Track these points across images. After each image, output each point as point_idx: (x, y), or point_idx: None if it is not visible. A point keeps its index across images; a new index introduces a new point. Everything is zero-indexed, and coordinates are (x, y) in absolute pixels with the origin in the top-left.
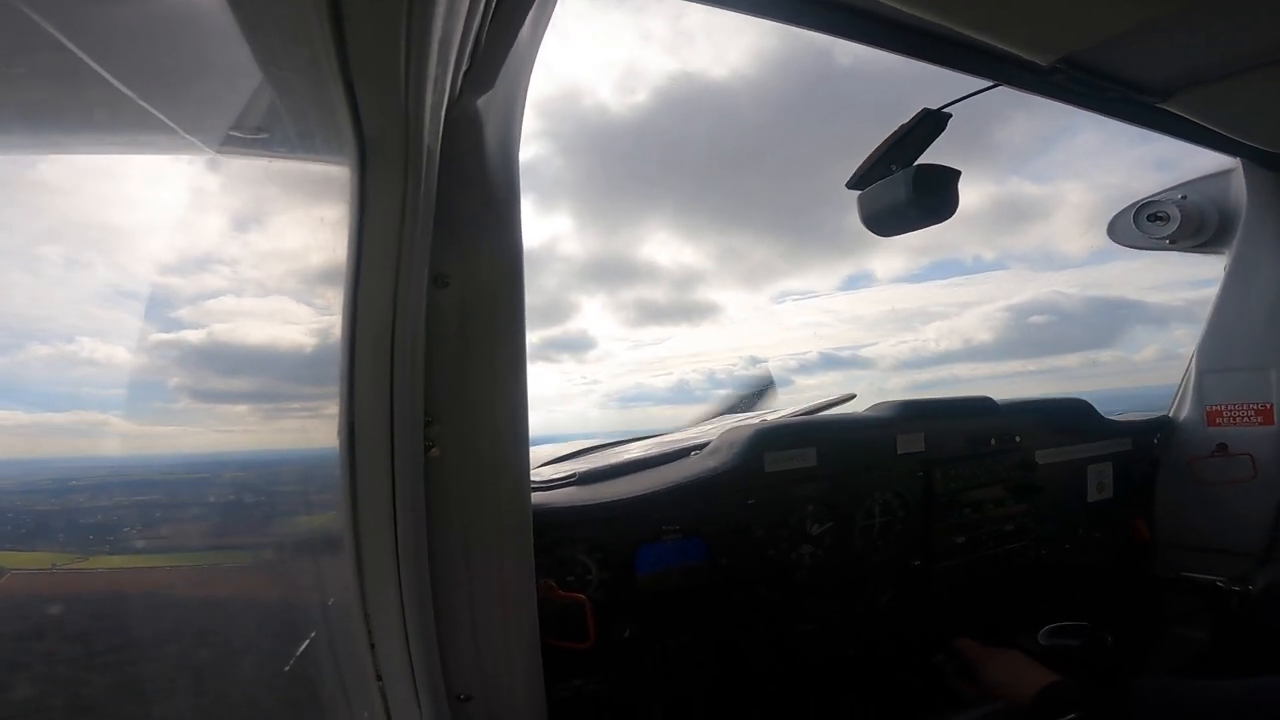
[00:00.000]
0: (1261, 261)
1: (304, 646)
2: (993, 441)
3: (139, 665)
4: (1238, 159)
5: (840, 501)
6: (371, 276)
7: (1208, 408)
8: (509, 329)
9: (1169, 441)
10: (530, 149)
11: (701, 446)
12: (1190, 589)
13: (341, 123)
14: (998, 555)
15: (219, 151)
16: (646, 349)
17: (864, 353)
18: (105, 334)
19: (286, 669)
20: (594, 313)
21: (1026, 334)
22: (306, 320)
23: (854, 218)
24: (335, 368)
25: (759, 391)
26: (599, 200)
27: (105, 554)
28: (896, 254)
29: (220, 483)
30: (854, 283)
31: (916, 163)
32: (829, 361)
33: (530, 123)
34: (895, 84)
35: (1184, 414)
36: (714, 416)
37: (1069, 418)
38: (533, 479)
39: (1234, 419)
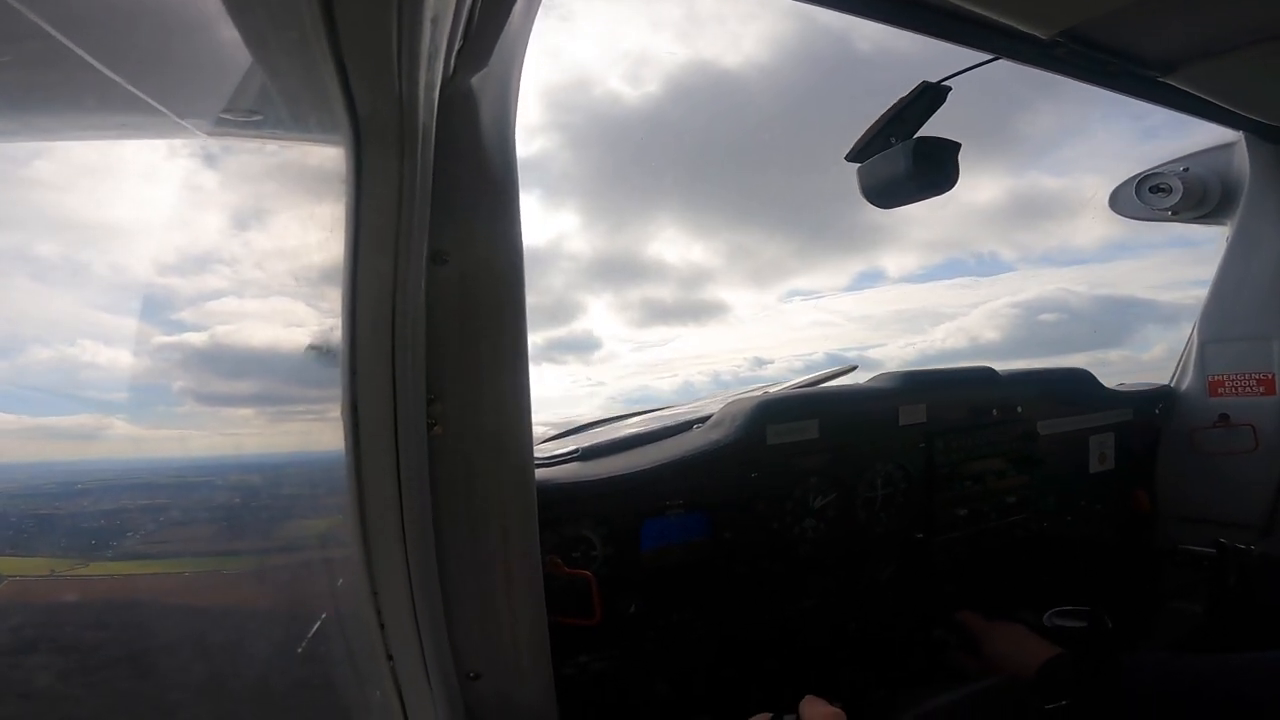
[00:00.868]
0: (1263, 233)
1: (316, 627)
2: (995, 412)
3: (142, 670)
4: (1240, 132)
5: (842, 474)
6: (370, 256)
7: (1209, 378)
8: (510, 304)
9: (1171, 412)
10: (536, 142)
11: (704, 420)
12: (1188, 562)
13: (334, 104)
14: (999, 528)
15: (211, 135)
16: (651, 350)
17: (871, 353)
18: (105, 328)
19: (300, 650)
20: (600, 312)
21: (1034, 332)
22: (305, 300)
23: (867, 213)
24: (337, 352)
25: None
26: (607, 195)
27: (107, 559)
28: (910, 250)
29: (224, 475)
30: (865, 280)
31: (916, 135)
32: (836, 362)
33: (536, 115)
34: (914, 71)
35: (1186, 384)
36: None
37: (1071, 388)
38: (536, 455)
39: (1236, 389)
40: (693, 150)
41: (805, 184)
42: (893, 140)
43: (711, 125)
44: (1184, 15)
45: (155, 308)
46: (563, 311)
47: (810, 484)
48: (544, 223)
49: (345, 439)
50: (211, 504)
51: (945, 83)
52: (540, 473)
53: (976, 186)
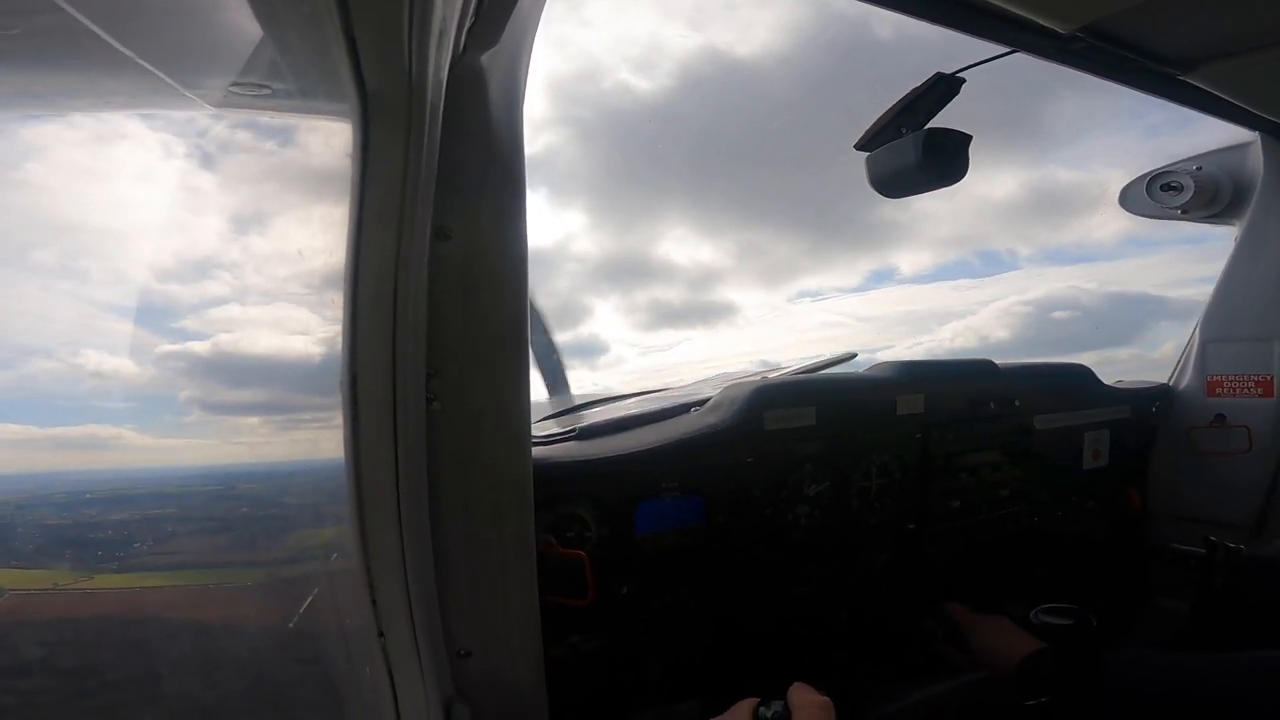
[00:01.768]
0: (1272, 234)
1: (308, 603)
2: (992, 405)
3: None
4: (1256, 133)
5: (838, 462)
6: (374, 231)
7: (1208, 377)
8: (512, 282)
9: (1168, 410)
10: (542, 138)
11: (701, 403)
12: (1176, 560)
13: (343, 79)
14: (992, 520)
15: (219, 109)
16: (658, 355)
17: (881, 355)
18: (105, 315)
19: (291, 625)
20: (606, 316)
21: (1044, 330)
22: (309, 277)
23: (881, 209)
24: (338, 325)
25: None
26: (615, 193)
27: (112, 570)
28: (923, 247)
29: (227, 476)
30: (877, 279)
31: (927, 126)
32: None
33: (542, 109)
34: (931, 61)
35: (1184, 383)
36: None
37: (1069, 383)
38: (533, 434)
39: (1234, 390)
40: (703, 145)
41: (819, 179)
42: (903, 130)
43: (723, 118)
44: (1205, 13)
45: (155, 303)
46: (569, 316)
47: (805, 471)
48: (550, 223)
49: (343, 413)
50: (212, 503)
51: (960, 74)
52: (537, 451)
53: (993, 180)
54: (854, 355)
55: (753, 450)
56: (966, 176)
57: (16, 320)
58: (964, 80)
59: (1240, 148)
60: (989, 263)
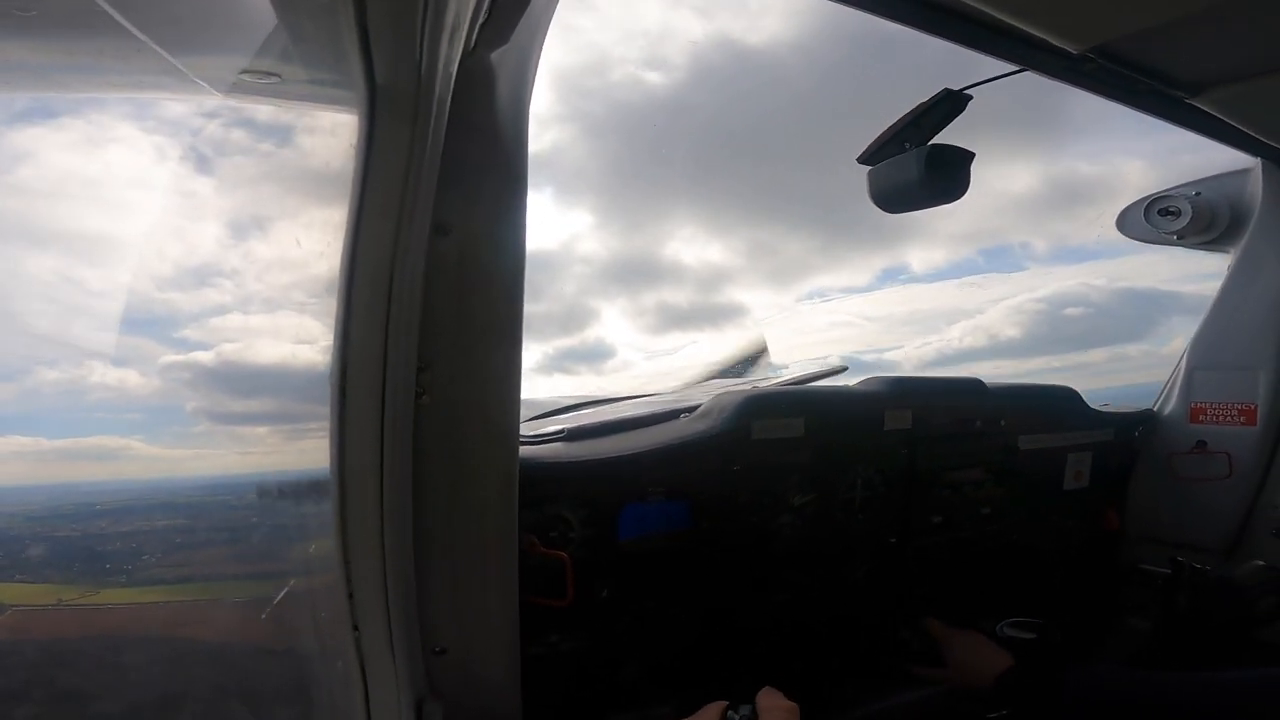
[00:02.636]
0: (1266, 262)
1: (283, 593)
2: (978, 424)
3: None
4: (1257, 159)
5: (824, 474)
6: (373, 222)
7: (1192, 404)
8: (508, 280)
9: (1150, 435)
10: (549, 134)
11: (691, 409)
12: (1143, 580)
13: (353, 70)
14: (972, 537)
15: (228, 95)
16: (664, 359)
17: (890, 355)
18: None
19: (264, 616)
20: (613, 319)
21: (1056, 328)
22: (303, 264)
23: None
24: (331, 306)
25: (752, 358)
26: (623, 190)
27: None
28: (936, 244)
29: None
30: (889, 277)
31: (931, 142)
32: (851, 365)
33: (549, 106)
34: (946, 54)
35: (1169, 409)
36: (707, 380)
37: (1055, 405)
38: (522, 433)
39: (1217, 417)
40: (713, 140)
41: (831, 174)
42: (906, 145)
43: (734, 110)
44: (1215, 37)
45: (158, 309)
46: (574, 320)
47: (791, 481)
48: (557, 224)
49: (331, 400)
50: (220, 513)
51: (967, 91)
52: (525, 450)
53: (1011, 175)
54: (844, 369)
55: (740, 458)
56: (979, 179)
57: (25, 323)
58: (970, 98)
59: (1239, 174)
60: (998, 260)
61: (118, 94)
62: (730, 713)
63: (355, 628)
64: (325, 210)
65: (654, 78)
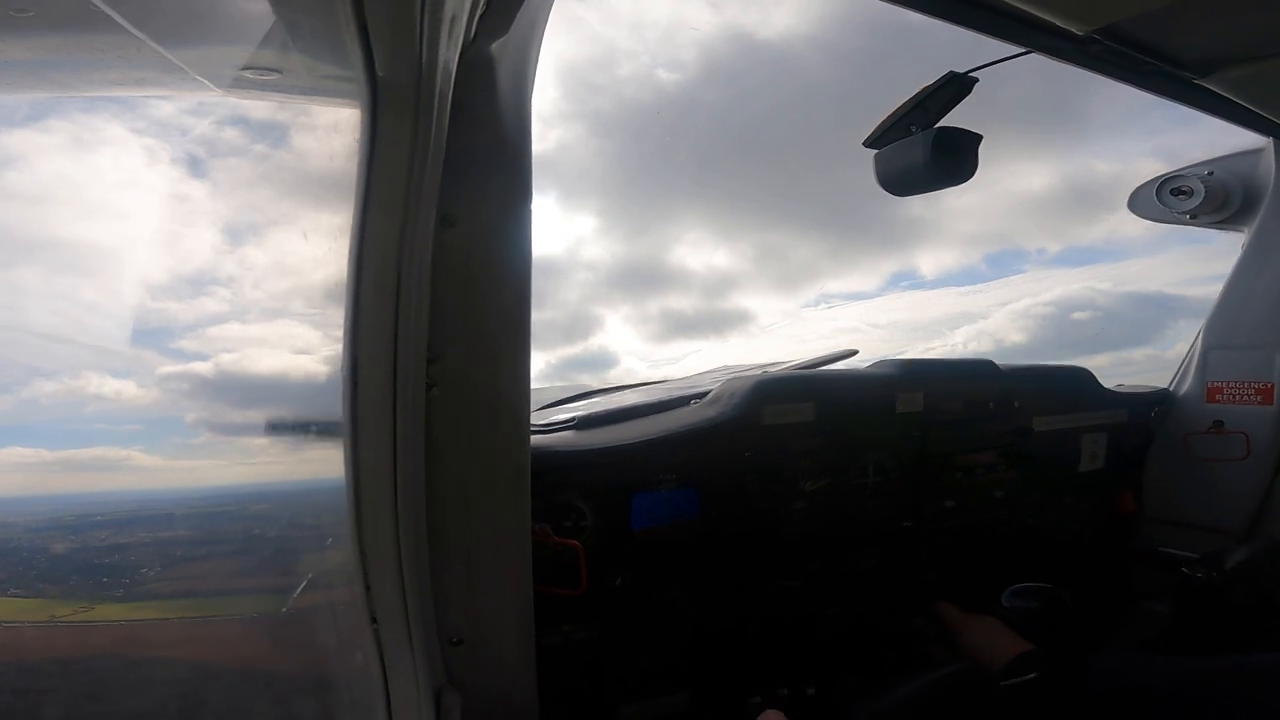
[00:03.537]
0: None
1: (301, 587)
2: (991, 406)
3: None
4: (1270, 138)
5: (835, 459)
6: (379, 216)
7: (1209, 383)
8: (515, 270)
9: (1166, 415)
10: (554, 133)
11: (701, 395)
12: (1163, 564)
13: (353, 64)
14: (985, 521)
15: (229, 92)
16: (667, 368)
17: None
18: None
19: (284, 610)
20: (616, 327)
21: (1062, 332)
22: (311, 259)
23: (906, 206)
24: (340, 305)
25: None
26: (628, 193)
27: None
28: (949, 246)
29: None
30: (899, 280)
31: (938, 125)
32: None
33: (554, 105)
34: (961, 44)
35: (1184, 389)
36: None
37: (1069, 386)
38: (532, 423)
39: (1234, 397)
40: (721, 139)
41: (841, 175)
42: (913, 129)
43: (743, 106)
44: (1223, 18)
45: (155, 317)
46: (578, 328)
47: (802, 466)
48: (561, 229)
49: (343, 396)
50: (223, 523)
51: (972, 74)
52: (536, 440)
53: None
54: (855, 352)
55: (751, 444)
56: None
57: (27, 329)
58: (976, 80)
59: (1252, 153)
60: (1002, 264)
61: (120, 92)
62: None
63: (373, 620)
64: (331, 205)
65: (661, 73)
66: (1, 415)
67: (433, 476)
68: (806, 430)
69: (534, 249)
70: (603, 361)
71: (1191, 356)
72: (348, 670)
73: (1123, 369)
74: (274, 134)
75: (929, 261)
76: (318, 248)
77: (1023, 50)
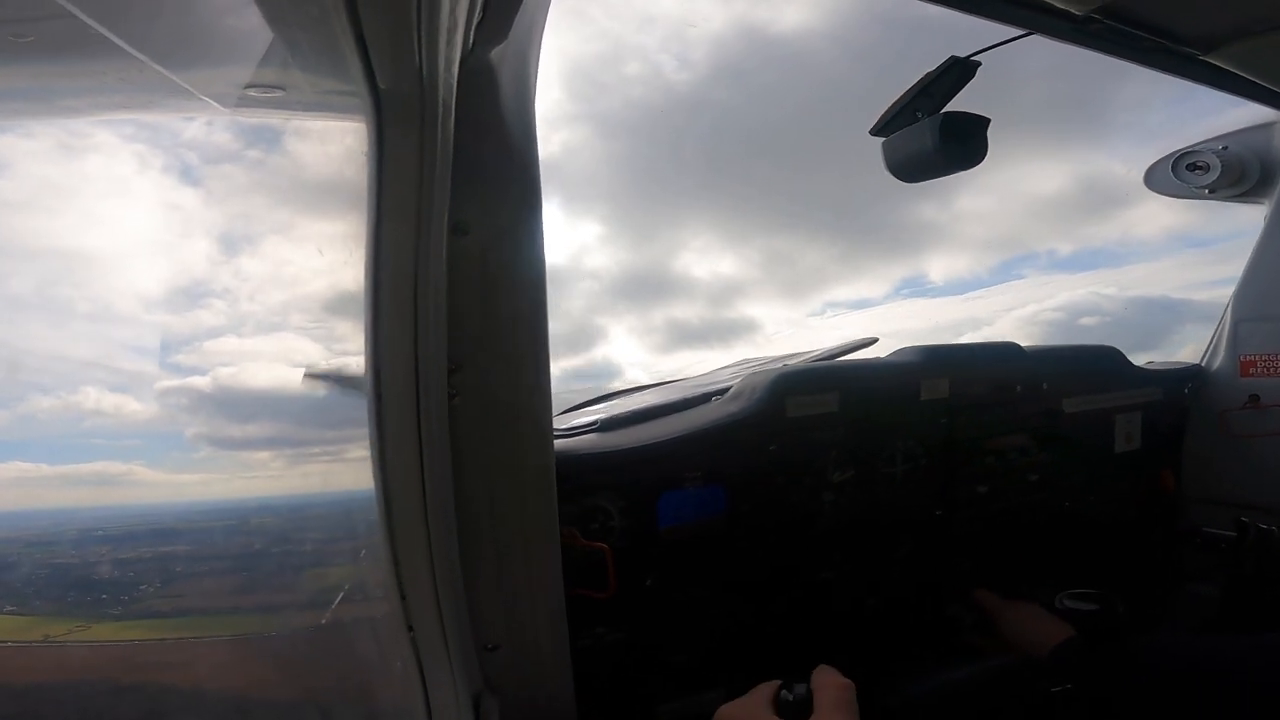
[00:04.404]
0: None
1: (338, 599)
2: (1018, 389)
3: None
4: None
5: (862, 449)
6: (392, 228)
7: (1241, 357)
8: (530, 275)
9: (1200, 392)
10: (559, 136)
11: (723, 391)
12: (1206, 544)
13: (355, 79)
14: (1020, 506)
15: (234, 111)
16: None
17: None
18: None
19: (324, 621)
20: (620, 337)
21: (1072, 338)
22: (327, 274)
23: (919, 208)
24: (358, 319)
25: None
26: (634, 199)
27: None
28: (961, 250)
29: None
30: (908, 286)
31: (944, 110)
32: None
33: (559, 108)
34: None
35: (1217, 364)
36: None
37: (1098, 365)
38: (555, 427)
39: (1269, 369)
40: (729, 141)
41: (853, 178)
42: (919, 115)
43: (753, 107)
44: None
45: (169, 323)
46: (582, 340)
47: (829, 458)
48: (565, 237)
49: (368, 410)
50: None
51: (975, 58)
52: (559, 444)
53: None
54: (875, 340)
55: (775, 438)
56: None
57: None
58: (979, 64)
59: (1266, 126)
60: (1001, 270)
61: (126, 115)
62: (784, 692)
63: (410, 628)
64: (343, 219)
65: (667, 71)
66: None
67: (460, 485)
68: (831, 421)
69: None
70: (606, 373)
71: (1222, 330)
72: (387, 679)
73: None
74: (283, 151)
75: (933, 266)
76: (334, 262)
77: (1024, 32)
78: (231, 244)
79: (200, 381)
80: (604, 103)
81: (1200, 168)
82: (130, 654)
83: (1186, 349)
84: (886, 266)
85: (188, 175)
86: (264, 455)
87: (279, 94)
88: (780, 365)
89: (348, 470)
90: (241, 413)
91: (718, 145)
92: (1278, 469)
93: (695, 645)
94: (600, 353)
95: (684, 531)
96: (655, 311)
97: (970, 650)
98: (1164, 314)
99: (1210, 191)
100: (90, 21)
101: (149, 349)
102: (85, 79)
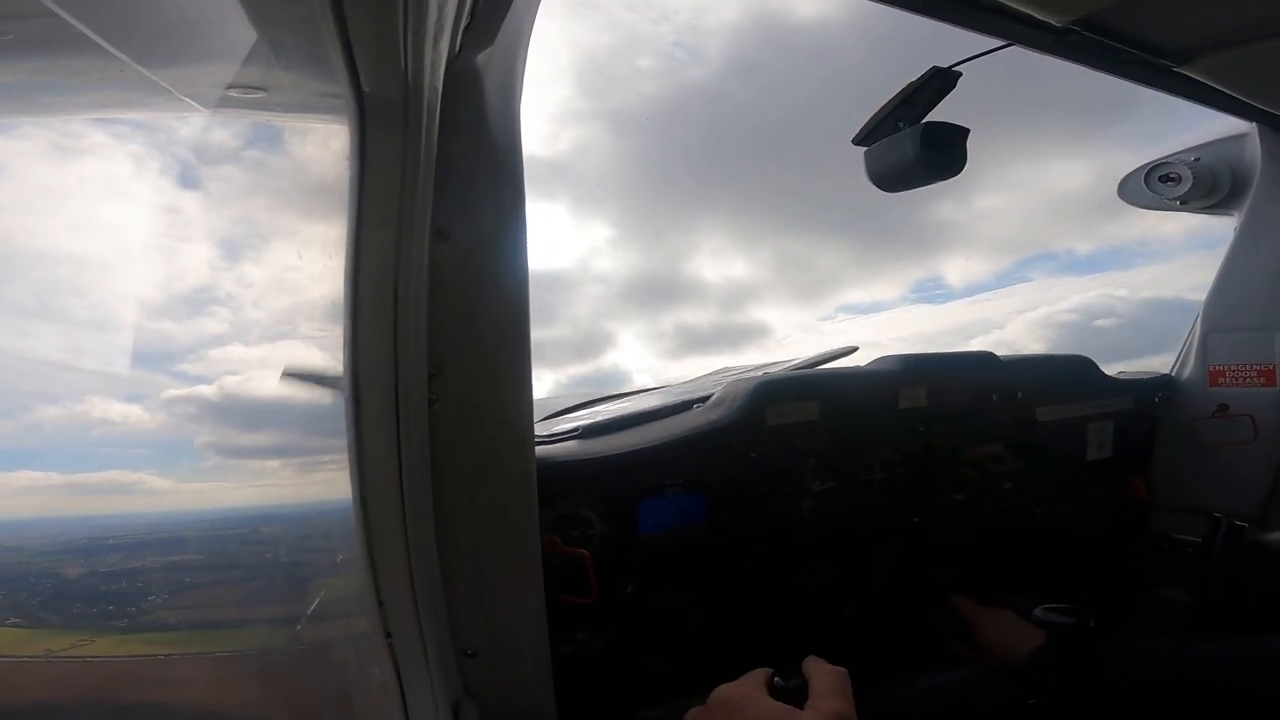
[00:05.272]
0: (1272, 223)
1: (314, 605)
2: (994, 398)
3: None
4: (1253, 123)
5: (841, 456)
6: (373, 232)
7: (1210, 367)
8: (512, 281)
9: (1170, 401)
10: (567, 134)
11: (704, 399)
12: (1174, 550)
13: (339, 81)
14: (995, 513)
15: (215, 112)
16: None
17: None
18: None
19: (298, 628)
20: (629, 343)
21: (1085, 342)
22: (307, 278)
23: (932, 211)
24: (337, 318)
25: None
26: (646, 201)
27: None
28: (975, 252)
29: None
30: (923, 288)
31: (925, 120)
32: None
33: (566, 105)
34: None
35: (1186, 373)
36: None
37: (1071, 374)
38: (536, 433)
39: (1237, 380)
40: (741, 140)
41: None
42: (900, 125)
43: (769, 102)
44: (1200, 5)
45: (152, 337)
46: (591, 346)
47: (809, 465)
48: (572, 240)
49: (346, 414)
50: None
51: (956, 68)
52: (540, 450)
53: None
54: (855, 349)
55: (755, 446)
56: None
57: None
58: (960, 74)
59: (1237, 138)
60: (1008, 274)
61: (107, 114)
62: (778, 680)
63: (388, 635)
64: (324, 223)
65: (677, 68)
66: (8, 439)
67: (439, 490)
68: (811, 429)
69: (542, 262)
70: (614, 379)
71: (1191, 341)
72: (365, 686)
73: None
74: (263, 152)
75: (948, 269)
76: (313, 266)
77: (1004, 43)
78: (210, 246)
79: (171, 384)
80: (617, 98)
81: (1173, 179)
82: (106, 668)
83: (1160, 358)
84: (900, 269)
85: (167, 176)
86: (236, 463)
87: (261, 95)
88: (760, 373)
89: (323, 476)
90: (216, 421)
91: (732, 143)
92: (1245, 477)
93: (676, 652)
94: (609, 359)
95: (665, 538)
96: (664, 316)
97: (947, 656)
98: (1180, 315)
99: (1182, 203)
100: (71, 20)
101: (117, 351)
102: (66, 77)
